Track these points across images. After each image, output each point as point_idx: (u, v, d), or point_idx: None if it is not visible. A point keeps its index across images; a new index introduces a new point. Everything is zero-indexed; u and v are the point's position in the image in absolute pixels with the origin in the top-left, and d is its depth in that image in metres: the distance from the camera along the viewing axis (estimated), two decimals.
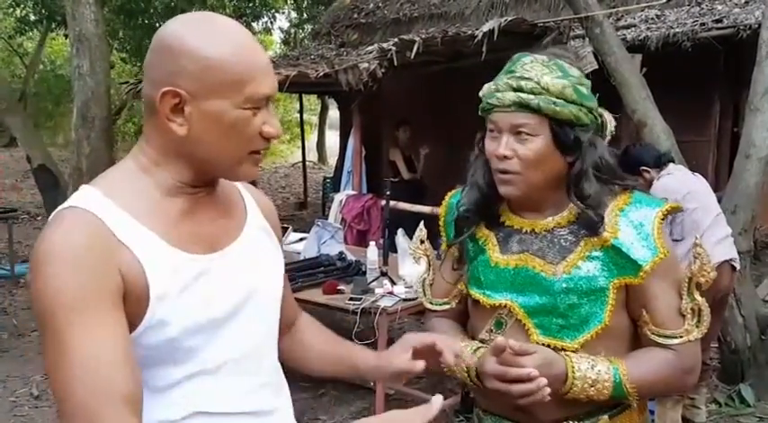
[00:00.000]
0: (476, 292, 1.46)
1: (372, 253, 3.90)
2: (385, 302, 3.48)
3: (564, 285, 1.35)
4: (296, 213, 10.76)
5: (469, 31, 4.86)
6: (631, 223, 1.35)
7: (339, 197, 6.18)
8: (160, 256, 1.01)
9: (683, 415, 3.70)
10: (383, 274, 3.83)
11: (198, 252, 1.06)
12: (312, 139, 20.77)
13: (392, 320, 3.50)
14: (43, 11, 13.16)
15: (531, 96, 1.31)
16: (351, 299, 3.57)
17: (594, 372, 1.32)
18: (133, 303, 0.98)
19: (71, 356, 0.92)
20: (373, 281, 3.78)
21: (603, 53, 4.43)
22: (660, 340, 1.36)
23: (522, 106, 1.31)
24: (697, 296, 1.36)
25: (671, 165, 3.55)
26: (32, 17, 14.18)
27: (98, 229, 0.97)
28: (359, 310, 3.43)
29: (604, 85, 4.56)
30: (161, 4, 12.12)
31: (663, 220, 1.36)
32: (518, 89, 1.32)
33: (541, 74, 1.32)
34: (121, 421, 0.92)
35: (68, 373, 0.92)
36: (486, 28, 4.59)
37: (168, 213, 1.05)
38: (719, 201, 4.19)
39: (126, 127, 20.31)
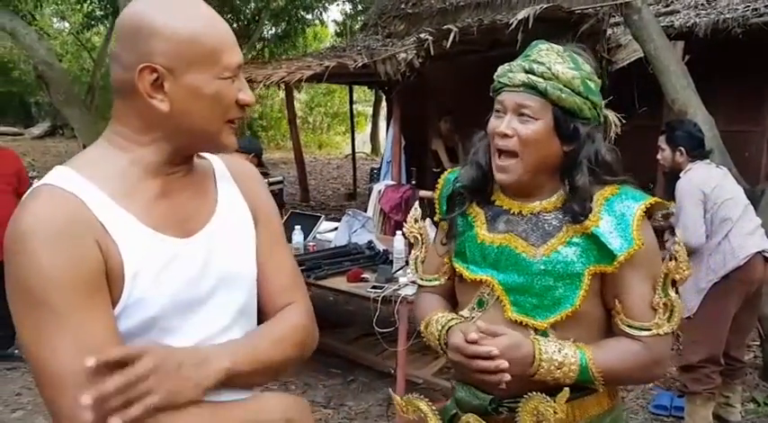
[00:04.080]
0: (460, 266, 1.53)
1: (399, 242, 3.91)
2: (406, 291, 3.49)
3: (542, 267, 1.40)
4: (345, 204, 10.85)
5: (505, 20, 4.80)
6: (613, 213, 1.38)
7: (378, 187, 6.20)
8: (136, 237, 1.02)
9: (717, 413, 3.60)
10: (408, 263, 3.84)
11: (173, 235, 1.08)
12: (366, 130, 20.87)
13: (413, 309, 3.50)
14: (108, 6, 13.63)
15: (540, 80, 1.36)
16: (374, 287, 3.60)
17: (561, 355, 1.36)
18: (111, 281, 1.00)
19: (67, 338, 0.95)
20: (398, 270, 3.80)
21: (642, 40, 4.31)
22: (629, 331, 1.39)
23: (530, 88, 1.37)
24: (671, 292, 1.38)
25: (699, 160, 3.45)
26: (99, 13, 14.70)
27: (77, 207, 0.99)
28: (379, 299, 3.46)
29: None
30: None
31: (645, 213, 1.38)
32: (529, 71, 1.38)
33: (554, 61, 1.38)
34: None
35: (65, 348, 0.94)
36: (521, 15, 4.52)
37: (145, 195, 1.07)
38: (762, 194, 4.05)
39: None
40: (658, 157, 3.55)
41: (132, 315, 1.03)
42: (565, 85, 1.36)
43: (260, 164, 4.75)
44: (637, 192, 1.43)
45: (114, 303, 1.01)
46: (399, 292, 3.50)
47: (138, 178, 1.07)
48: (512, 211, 1.47)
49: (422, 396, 1.57)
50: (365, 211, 5.98)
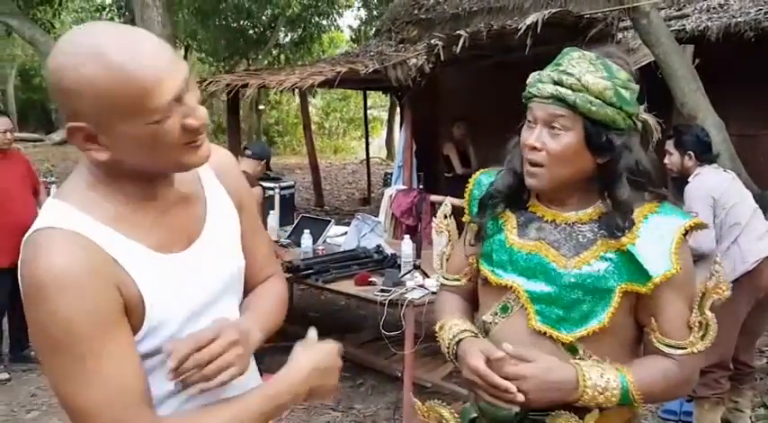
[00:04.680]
0: (485, 268, 1.49)
1: (407, 246, 3.94)
2: (413, 295, 3.51)
3: (572, 280, 1.37)
4: (359, 208, 10.89)
5: (515, 25, 4.82)
6: (652, 232, 1.34)
7: (389, 192, 6.23)
8: (146, 263, 1.04)
9: (726, 418, 3.57)
10: (416, 267, 3.87)
11: (176, 249, 1.11)
12: (382, 135, 20.93)
13: (420, 313, 3.53)
14: (128, 13, 13.83)
15: (569, 92, 1.31)
16: (381, 290, 3.63)
17: (604, 380, 1.32)
18: (131, 312, 1.02)
19: (95, 379, 0.98)
20: (406, 274, 3.82)
21: (651, 44, 4.31)
22: (665, 349, 1.36)
23: (559, 100, 1.33)
24: (707, 311, 1.35)
25: (706, 164, 3.44)
26: (118, 20, 14.92)
27: (91, 249, 0.99)
28: (386, 302, 3.48)
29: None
30: (231, 5, 12.51)
31: (685, 234, 1.35)
32: (558, 82, 1.33)
33: (585, 71, 1.32)
34: (148, 418, 1.03)
35: (96, 394, 0.99)
36: (529, 21, 4.54)
37: (144, 218, 1.08)
38: None
39: None
40: (666, 161, 3.54)
41: (156, 335, 1.06)
42: (596, 97, 1.30)
43: (267, 168, 4.80)
44: (678, 210, 1.40)
45: (136, 330, 1.04)
46: (406, 295, 3.53)
47: (127, 203, 1.08)
48: (545, 219, 1.45)
49: (443, 402, 1.55)
50: (378, 215, 6.01)
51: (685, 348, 1.35)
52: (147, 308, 1.04)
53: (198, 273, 1.14)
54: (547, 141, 1.35)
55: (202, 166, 1.21)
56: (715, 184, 3.36)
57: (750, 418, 3.66)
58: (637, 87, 1.38)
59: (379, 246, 4.27)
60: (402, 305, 3.48)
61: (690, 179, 3.41)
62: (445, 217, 1.68)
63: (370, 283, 3.77)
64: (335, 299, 5.96)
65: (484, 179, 1.58)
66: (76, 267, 0.96)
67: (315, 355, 1.22)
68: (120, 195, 1.07)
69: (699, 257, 3.41)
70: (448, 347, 1.48)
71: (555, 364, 1.33)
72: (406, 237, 4.10)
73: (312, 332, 1.27)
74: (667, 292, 1.34)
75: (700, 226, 1.38)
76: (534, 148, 1.36)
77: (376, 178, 12.04)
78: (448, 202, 1.70)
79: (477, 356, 1.35)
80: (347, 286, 3.80)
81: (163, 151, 1.02)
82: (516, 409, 1.36)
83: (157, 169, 1.08)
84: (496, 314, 1.47)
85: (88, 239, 1.00)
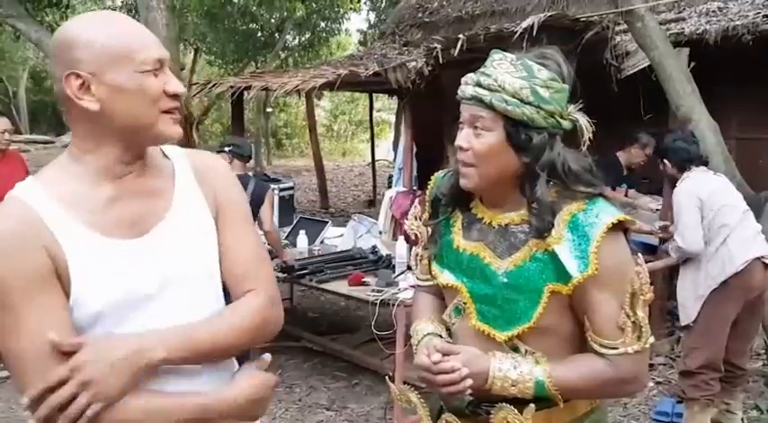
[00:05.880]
0: (435, 269, 1.55)
1: (401, 247, 3.98)
2: (404, 295, 3.55)
3: (505, 280, 1.41)
4: (364, 211, 10.94)
5: (511, 28, 4.84)
6: (576, 232, 1.35)
7: (389, 194, 6.26)
8: (80, 241, 1.13)
9: (718, 420, 3.58)
10: (410, 267, 3.89)
11: (122, 237, 1.17)
12: (389, 138, 20.95)
13: (410, 313, 3.56)
14: (136, 16, 13.92)
15: (486, 92, 1.36)
16: (374, 291, 3.66)
17: (517, 372, 1.37)
18: (61, 281, 1.12)
19: (22, 329, 1.09)
20: (399, 274, 3.86)
21: (646, 47, 4.32)
22: (597, 348, 1.38)
23: (479, 101, 1.37)
24: (639, 311, 1.35)
25: (693, 168, 3.47)
26: None
27: (29, 218, 1.12)
28: (378, 302, 3.52)
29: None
30: (238, 8, 12.59)
31: (607, 233, 1.34)
32: (477, 84, 1.38)
33: (503, 72, 1.36)
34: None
35: (22, 342, 1.09)
36: (525, 24, 4.56)
37: (96, 201, 1.17)
38: (767, 200, 4.03)
39: (213, 127, 21.19)
40: (661, 168, 3.63)
41: (79, 310, 1.13)
42: (512, 96, 1.34)
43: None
44: (607, 207, 1.38)
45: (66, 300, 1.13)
46: (398, 295, 3.56)
47: (91, 184, 1.18)
48: (484, 221, 1.49)
49: (413, 388, 1.58)
50: (356, 214, 6.05)
51: (617, 348, 1.36)
52: (72, 279, 1.12)
53: (138, 264, 1.18)
54: (472, 141, 1.39)
55: (181, 165, 1.29)
56: (702, 185, 3.40)
57: (742, 420, 3.66)
58: (563, 87, 1.39)
59: (374, 246, 4.31)
60: (393, 305, 3.52)
61: (678, 183, 3.46)
62: (416, 219, 1.69)
63: (364, 284, 3.81)
64: (335, 300, 6.01)
65: (439, 180, 1.60)
66: (8, 229, 1.10)
67: (253, 384, 1.26)
68: (87, 176, 1.17)
69: (687, 258, 3.45)
70: (416, 351, 1.53)
71: (474, 355, 1.39)
72: (401, 238, 4.13)
73: (267, 356, 1.32)
74: (594, 292, 1.35)
75: (627, 222, 1.38)
76: (461, 149, 1.40)
77: (382, 180, 12.06)
78: (417, 205, 1.71)
79: (422, 354, 1.43)
80: (341, 286, 3.85)
81: (144, 107, 1.15)
82: (468, 399, 1.42)
83: (137, 132, 1.17)
84: (451, 315, 1.52)
85: (30, 208, 1.12)
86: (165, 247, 1.21)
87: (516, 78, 1.35)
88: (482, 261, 1.45)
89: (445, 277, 1.51)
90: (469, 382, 1.35)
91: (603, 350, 1.37)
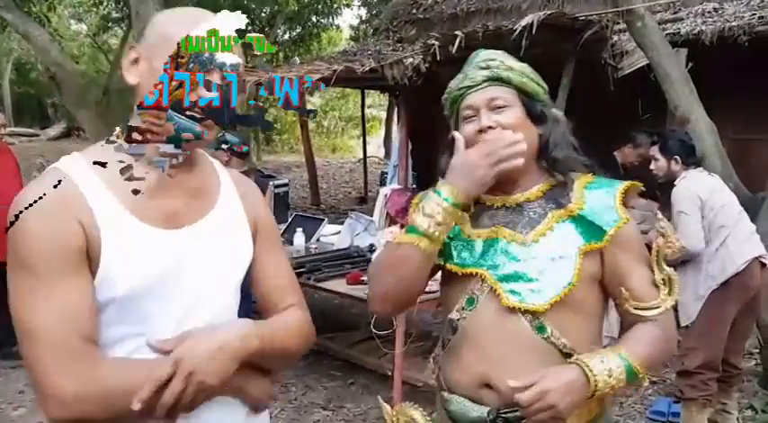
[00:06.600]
0: (450, 264, 1.50)
1: None
2: None
3: (533, 251, 1.42)
4: (355, 208, 10.90)
5: (511, 26, 4.83)
6: (595, 197, 1.45)
7: (384, 191, 6.24)
8: (118, 222, 1.13)
9: (714, 420, 3.59)
10: None
11: (159, 226, 1.17)
12: (380, 134, 20.92)
13: (410, 312, 3.54)
14: (125, 8, 13.79)
15: (501, 70, 1.45)
16: None
17: (606, 365, 1.34)
18: (90, 259, 1.11)
19: (47, 302, 1.07)
20: None
21: (645, 47, 4.33)
22: (642, 313, 1.42)
23: (495, 80, 1.44)
24: (665, 267, 1.43)
25: (691, 168, 3.48)
26: (115, 15, 14.87)
27: (70, 189, 1.12)
28: None
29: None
30: (230, 2, 12.50)
31: (624, 194, 1.44)
32: (487, 68, 1.46)
33: (503, 58, 1.48)
34: (92, 353, 1.09)
35: (45, 316, 1.07)
36: (524, 22, 4.55)
37: (143, 187, 1.16)
38: (763, 200, 4.05)
39: None
40: (651, 167, 3.59)
41: (102, 291, 1.12)
42: (521, 73, 1.45)
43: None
44: (611, 179, 1.50)
45: (92, 278, 1.12)
46: None
47: (136, 169, 1.17)
48: (494, 206, 1.49)
49: (416, 404, 1.53)
50: (373, 214, 6.02)
51: (659, 307, 1.42)
52: (102, 258, 1.11)
53: (167, 253, 1.17)
54: (498, 119, 1.43)
55: (226, 177, 1.34)
56: (702, 185, 3.41)
57: (737, 419, 3.68)
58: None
59: (372, 245, 4.28)
60: None
61: (676, 183, 3.45)
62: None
63: (362, 282, 3.78)
64: (329, 298, 5.96)
65: None
66: (49, 196, 1.10)
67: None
68: (132, 160, 1.17)
69: (688, 259, 3.45)
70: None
71: (557, 369, 1.35)
72: None
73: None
74: (626, 256, 1.42)
75: (635, 188, 1.48)
76: (490, 128, 1.42)
77: (373, 177, 12.03)
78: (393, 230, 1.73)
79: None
80: (338, 285, 3.82)
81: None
82: (487, 408, 1.40)
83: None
84: (463, 309, 1.47)
85: (72, 180, 1.12)
86: (200, 245, 1.22)
87: (515, 61, 1.48)
88: (502, 241, 1.44)
89: (461, 267, 1.47)
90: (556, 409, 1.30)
91: (648, 313, 1.41)
